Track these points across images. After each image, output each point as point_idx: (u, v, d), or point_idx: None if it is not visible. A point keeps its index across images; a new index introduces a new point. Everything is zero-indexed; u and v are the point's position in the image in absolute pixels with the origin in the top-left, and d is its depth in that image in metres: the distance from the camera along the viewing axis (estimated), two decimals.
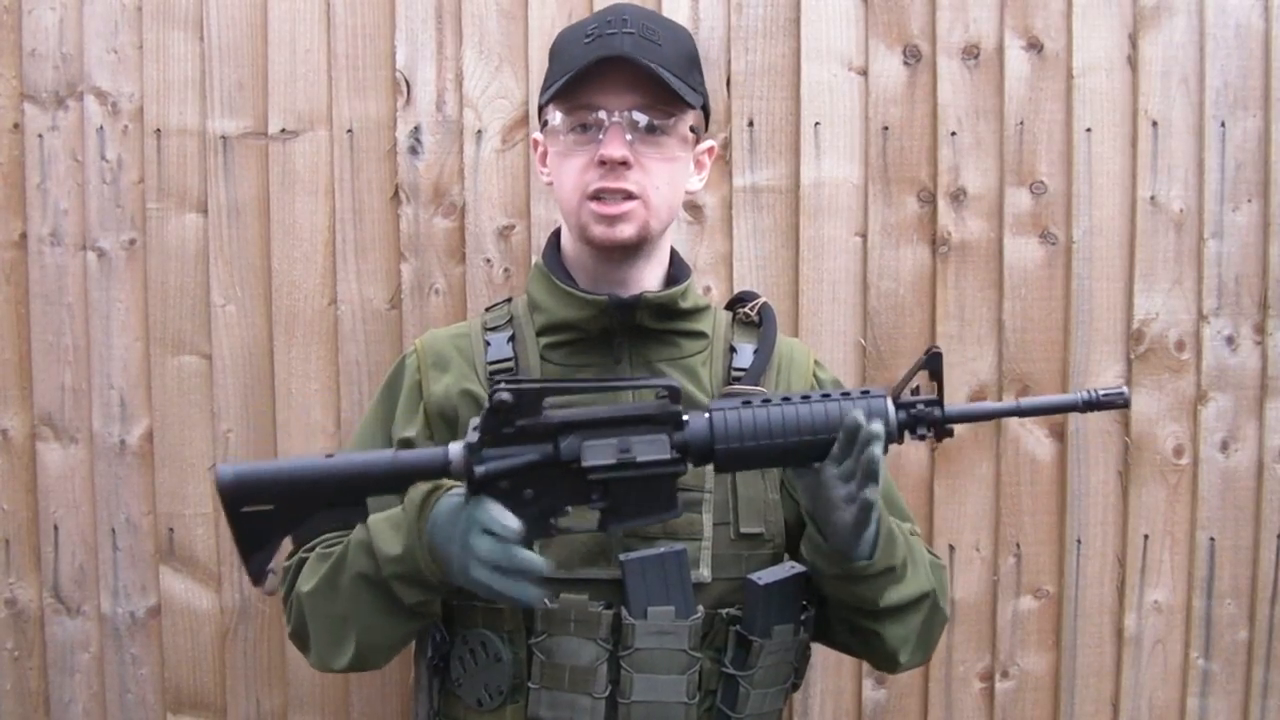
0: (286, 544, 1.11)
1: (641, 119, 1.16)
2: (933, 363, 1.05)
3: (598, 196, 1.16)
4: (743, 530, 1.18)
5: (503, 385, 1.03)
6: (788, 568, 1.18)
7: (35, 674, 1.73)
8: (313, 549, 1.21)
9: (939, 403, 1.07)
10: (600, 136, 1.16)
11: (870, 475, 1.03)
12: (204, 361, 1.68)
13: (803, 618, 1.20)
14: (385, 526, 1.11)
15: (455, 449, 1.04)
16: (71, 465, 1.71)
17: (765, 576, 1.16)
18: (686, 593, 1.13)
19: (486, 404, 1.03)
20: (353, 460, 1.06)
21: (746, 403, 1.06)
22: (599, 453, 1.03)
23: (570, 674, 1.13)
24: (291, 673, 1.70)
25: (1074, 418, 1.68)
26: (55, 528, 1.71)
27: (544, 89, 1.23)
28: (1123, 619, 1.71)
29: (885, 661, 1.22)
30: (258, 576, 1.08)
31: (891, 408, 1.07)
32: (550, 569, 1.05)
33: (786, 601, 1.17)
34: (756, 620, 1.15)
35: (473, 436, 1.03)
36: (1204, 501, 1.71)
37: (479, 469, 1.03)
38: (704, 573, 1.16)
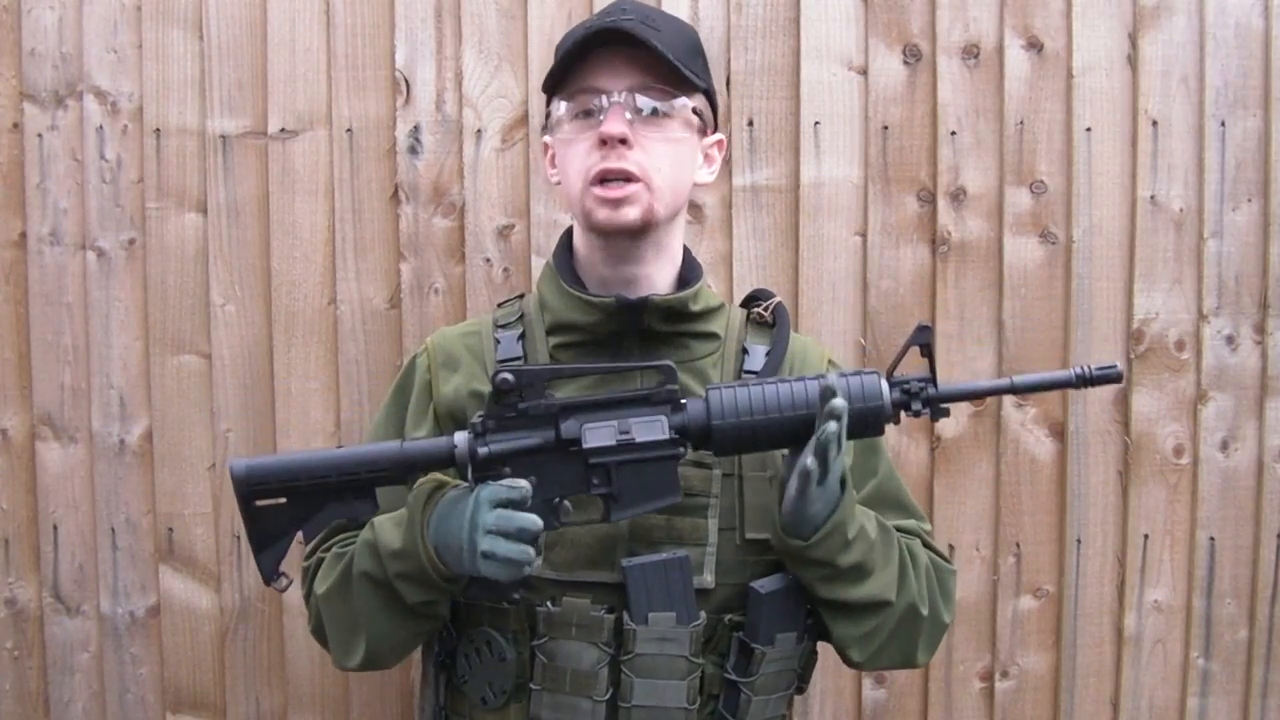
0: (298, 550, 1.12)
1: (643, 101, 1.15)
2: (921, 337, 1.06)
3: (600, 181, 1.15)
4: (748, 536, 1.17)
5: (505, 368, 1.06)
6: (789, 575, 1.17)
7: (35, 674, 1.73)
8: (330, 549, 1.21)
9: (932, 380, 1.08)
10: (601, 117, 1.15)
11: (821, 446, 1.03)
12: (204, 361, 1.68)
13: (808, 623, 1.19)
14: (388, 524, 1.12)
15: (460, 436, 1.07)
16: (71, 465, 1.71)
17: (767, 585, 1.15)
18: (688, 599, 1.13)
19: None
20: (361, 451, 1.09)
21: (743, 383, 1.08)
22: (599, 434, 1.06)
23: (571, 677, 1.13)
24: (291, 672, 1.70)
25: (1074, 416, 1.68)
26: (55, 527, 1.71)
27: (546, 82, 1.22)
28: (1123, 619, 1.71)
29: (841, 655, 1.21)
30: (270, 575, 1.10)
31: (885, 386, 1.08)
32: (545, 561, 1.07)
33: (789, 609, 1.16)
34: (759, 627, 1.15)
35: (477, 421, 1.06)
36: (1204, 501, 1.71)
37: (482, 450, 1.05)
38: (708, 578, 1.15)
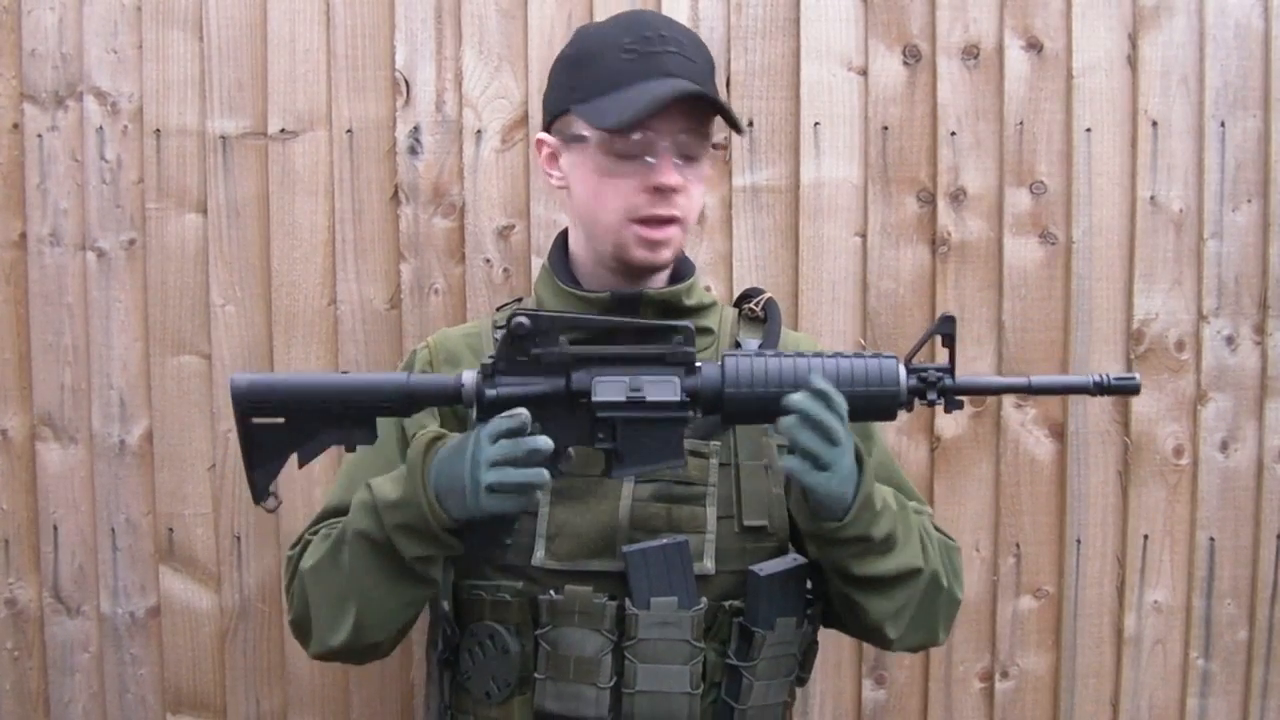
0: (284, 553, 1.11)
1: (687, 147, 1.17)
2: (944, 327, 1.05)
3: (645, 221, 1.17)
4: (746, 523, 1.18)
5: (521, 311, 1.05)
6: (790, 559, 1.19)
7: (35, 674, 1.73)
8: (316, 533, 1.21)
9: (950, 370, 1.07)
10: (650, 160, 1.15)
11: (797, 446, 1.04)
12: (204, 361, 1.68)
13: (808, 612, 1.21)
14: (386, 481, 1.12)
15: (469, 374, 1.06)
16: (71, 465, 1.71)
17: (766, 568, 1.16)
18: (689, 583, 1.14)
19: (497, 321, 1.05)
20: (365, 378, 1.09)
21: (760, 354, 1.07)
22: (609, 389, 1.05)
23: (575, 665, 1.14)
24: (291, 672, 1.70)
25: (1074, 417, 1.68)
26: (55, 528, 1.71)
27: (576, 97, 1.18)
28: (1122, 619, 1.71)
29: (874, 636, 1.21)
30: (261, 494, 1.09)
31: (903, 371, 1.07)
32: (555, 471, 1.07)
33: (789, 593, 1.18)
34: (759, 611, 1.16)
35: (487, 362, 1.05)
36: (1204, 501, 1.71)
37: (490, 392, 1.04)
38: (707, 564, 1.16)
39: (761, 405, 1.06)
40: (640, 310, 1.21)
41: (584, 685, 1.14)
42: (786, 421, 1.03)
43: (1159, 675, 1.73)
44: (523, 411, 1.04)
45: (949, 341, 1.06)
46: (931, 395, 1.07)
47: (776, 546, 1.21)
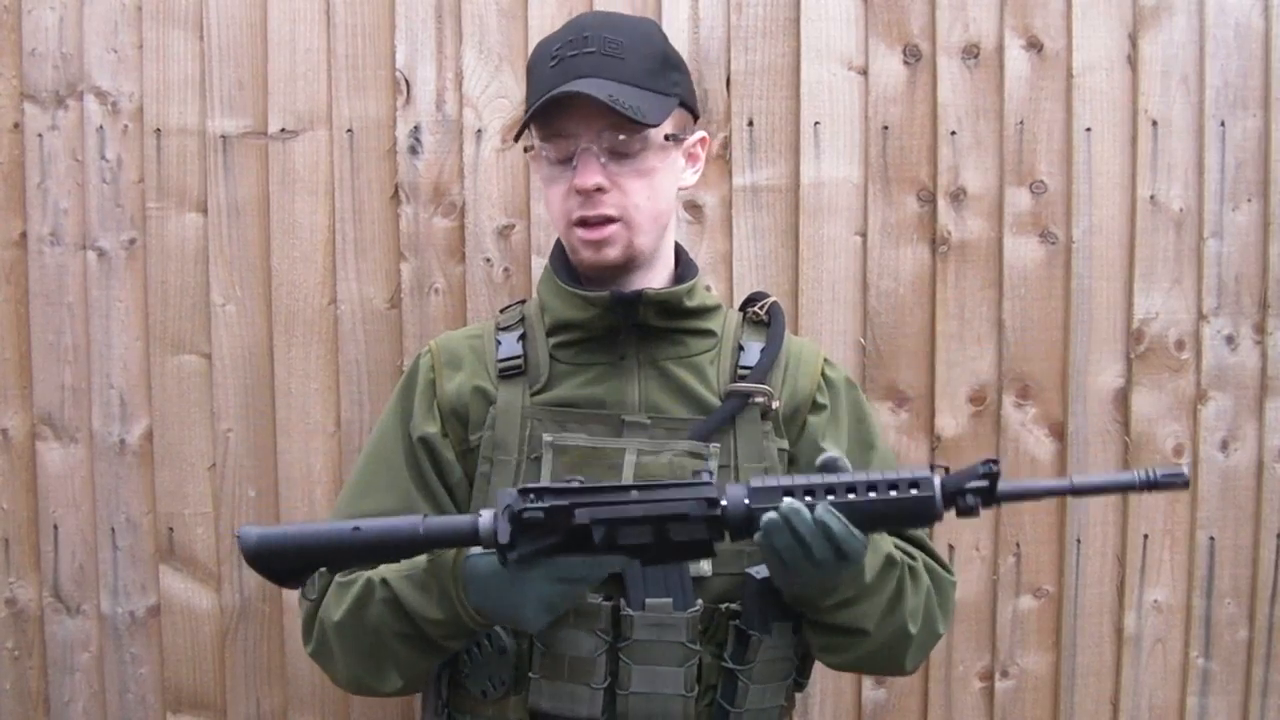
0: None
1: (614, 140, 1.17)
2: (987, 469, 1.01)
3: (582, 223, 1.19)
4: None
5: (531, 504, 1.01)
6: None
7: (35, 673, 1.73)
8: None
9: (990, 490, 1.02)
10: (574, 164, 1.18)
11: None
12: (204, 361, 1.68)
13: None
14: (411, 590, 1.12)
15: (485, 520, 1.02)
16: (71, 465, 1.71)
17: (763, 571, 1.16)
18: (685, 585, 1.14)
19: (512, 507, 1.01)
20: (379, 529, 1.05)
21: (787, 491, 1.01)
22: (633, 535, 1.01)
23: (570, 665, 1.14)
24: (291, 672, 1.70)
25: (1074, 417, 1.68)
26: (55, 527, 1.71)
27: (526, 108, 1.23)
28: (1122, 618, 1.71)
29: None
30: (299, 587, 1.12)
31: (939, 496, 1.01)
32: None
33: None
34: (755, 614, 1.16)
35: (503, 532, 1.01)
36: (1204, 501, 1.71)
37: (512, 555, 1.01)
38: (704, 567, 1.17)
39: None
40: (640, 310, 1.21)
41: (578, 685, 1.14)
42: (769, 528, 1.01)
43: (1159, 675, 1.73)
44: (581, 561, 1.03)
45: (991, 485, 1.01)
46: (965, 503, 1.02)
47: None
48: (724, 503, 1.01)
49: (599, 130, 1.16)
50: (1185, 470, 1.00)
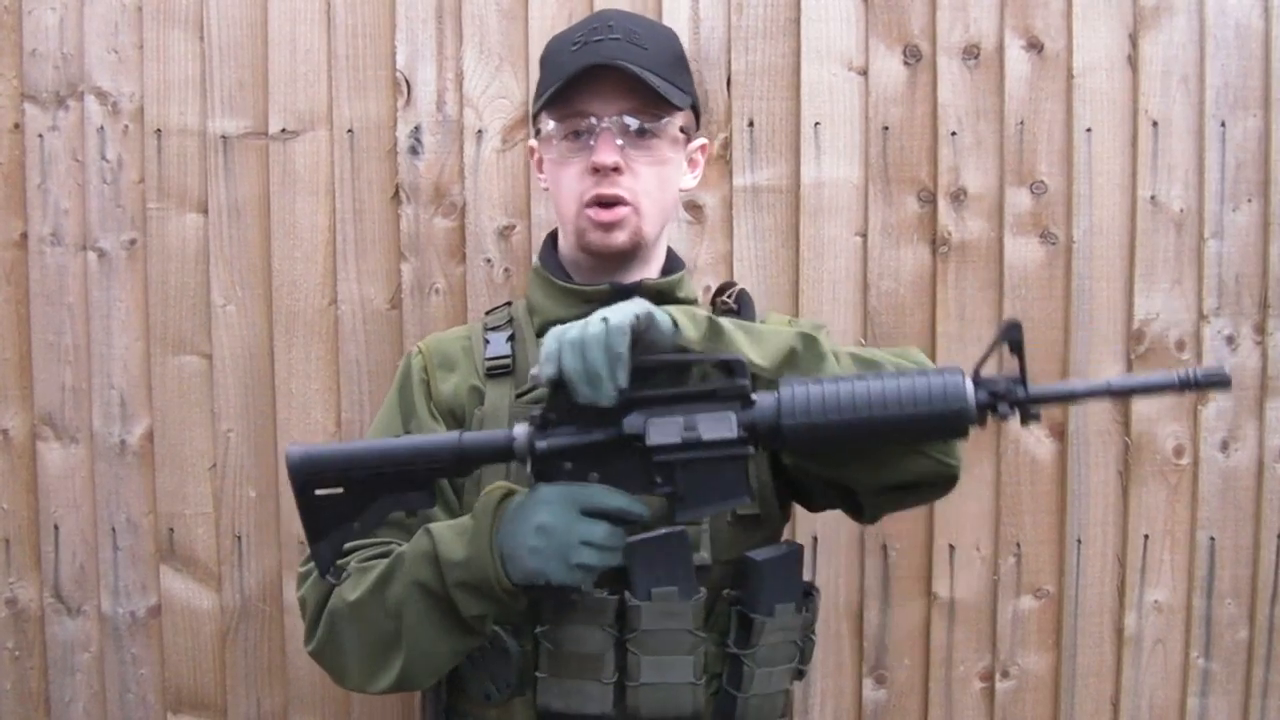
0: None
1: (632, 123, 1.20)
2: (1012, 334, 0.97)
3: (594, 203, 1.20)
4: (740, 513, 1.20)
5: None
6: (784, 546, 1.21)
7: (35, 674, 1.73)
8: (347, 559, 1.19)
9: (1023, 381, 0.99)
10: (592, 143, 1.20)
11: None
12: (204, 361, 1.68)
13: (806, 597, 1.23)
14: (450, 534, 1.11)
15: (520, 428, 1.04)
16: (72, 465, 1.71)
17: (763, 554, 1.18)
18: (689, 573, 1.14)
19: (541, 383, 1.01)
20: (417, 442, 1.08)
21: (817, 380, 1.01)
22: (664, 431, 1.01)
23: (578, 661, 1.14)
24: (292, 672, 1.70)
25: (1074, 417, 1.68)
26: (55, 527, 1.71)
27: (536, 97, 1.27)
28: (1123, 619, 1.71)
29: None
30: (327, 566, 1.09)
31: (970, 387, 1.00)
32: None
33: (785, 579, 1.19)
34: (758, 597, 1.17)
35: (537, 414, 1.03)
36: (1204, 501, 1.71)
37: (540, 444, 1.02)
38: (704, 555, 1.18)
39: (827, 435, 1.00)
40: None
41: (587, 681, 1.14)
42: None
43: (1159, 675, 1.73)
44: (621, 493, 1.03)
45: (1017, 349, 0.97)
46: (1004, 409, 0.99)
47: (769, 535, 1.23)
48: (754, 396, 1.02)
49: (618, 111, 1.19)
50: (1226, 370, 0.98)
